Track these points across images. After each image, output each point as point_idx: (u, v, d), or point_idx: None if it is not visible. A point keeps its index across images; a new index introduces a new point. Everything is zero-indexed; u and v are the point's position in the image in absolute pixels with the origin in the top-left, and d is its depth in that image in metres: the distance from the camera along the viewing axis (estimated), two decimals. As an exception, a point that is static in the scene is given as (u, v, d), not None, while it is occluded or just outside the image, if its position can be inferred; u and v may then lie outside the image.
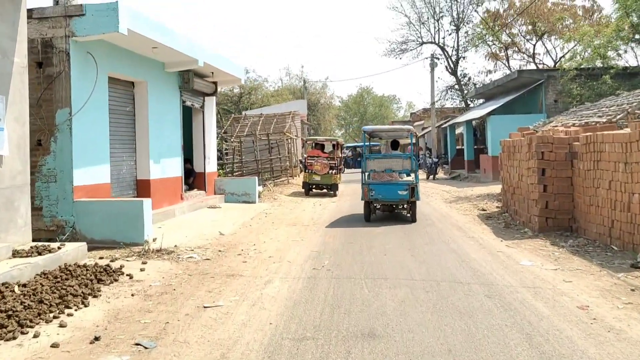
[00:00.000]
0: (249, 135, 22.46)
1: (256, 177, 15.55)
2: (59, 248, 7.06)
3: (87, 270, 6.53)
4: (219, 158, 23.17)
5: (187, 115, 14.69)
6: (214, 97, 15.11)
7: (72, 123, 8.84)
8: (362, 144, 18.96)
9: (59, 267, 6.57)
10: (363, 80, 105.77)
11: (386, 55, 30.72)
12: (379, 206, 11.92)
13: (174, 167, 12.51)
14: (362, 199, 11.70)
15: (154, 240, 8.98)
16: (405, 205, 11.64)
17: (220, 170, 18.84)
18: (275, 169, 22.56)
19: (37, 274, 6.14)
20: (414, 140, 13.71)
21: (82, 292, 5.66)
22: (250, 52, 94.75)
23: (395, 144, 13.28)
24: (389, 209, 12.07)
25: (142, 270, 6.97)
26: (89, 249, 8.51)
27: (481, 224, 11.13)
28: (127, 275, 6.67)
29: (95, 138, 9.46)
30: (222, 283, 6.44)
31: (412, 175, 11.81)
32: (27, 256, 6.55)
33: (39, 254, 6.69)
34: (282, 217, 12.63)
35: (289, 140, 23.39)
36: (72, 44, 8.85)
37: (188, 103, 13.46)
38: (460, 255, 7.75)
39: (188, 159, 14.50)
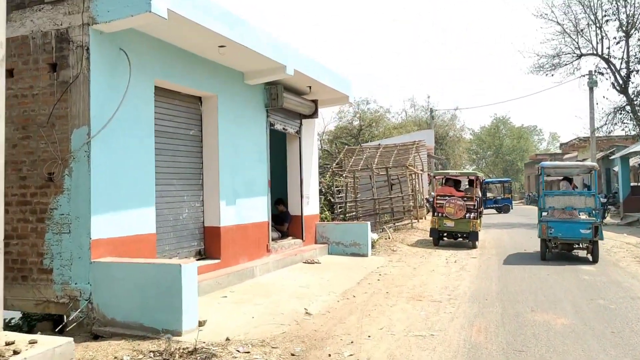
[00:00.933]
0: (364, 170, 19.12)
1: (368, 223, 12.03)
2: (30, 344, 4.14)
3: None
4: (329, 196, 20.08)
5: (279, 142, 11.71)
6: (314, 120, 12.00)
7: (91, 148, 6.07)
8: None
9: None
10: (499, 109, 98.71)
11: (533, 72, 25.68)
12: (555, 245, 11.60)
13: (256, 210, 9.46)
14: (539, 236, 11.66)
15: (201, 325, 5.84)
16: (585, 245, 11.51)
17: (326, 213, 15.60)
18: (396, 210, 18.88)
19: None
20: (595, 178, 12.63)
21: None
22: (371, 81, 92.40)
23: (569, 181, 13.18)
24: (567, 247, 11.77)
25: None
26: (108, 336, 5.67)
27: None
28: None
29: (130, 170, 6.62)
30: None
31: (593, 213, 11.91)
32: None
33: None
34: (401, 282, 8.90)
35: (413, 175, 19.63)
36: (93, 35, 6.15)
37: (278, 126, 10.46)
38: None
39: (281, 199, 11.45)
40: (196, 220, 8.25)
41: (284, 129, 10.69)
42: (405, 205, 18.75)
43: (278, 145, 11.95)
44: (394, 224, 18.07)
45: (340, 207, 18.93)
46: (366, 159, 19.89)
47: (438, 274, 9.85)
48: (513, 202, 36.65)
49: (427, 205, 26.15)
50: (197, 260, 8.13)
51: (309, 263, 10.36)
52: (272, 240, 10.62)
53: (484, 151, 70.67)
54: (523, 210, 35.91)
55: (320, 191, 22.35)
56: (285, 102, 9.89)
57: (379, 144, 22.09)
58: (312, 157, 12.14)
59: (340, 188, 20.43)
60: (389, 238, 14.71)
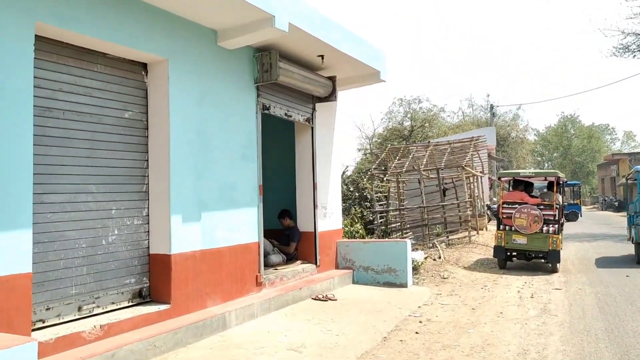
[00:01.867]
0: (410, 171, 15.98)
1: (408, 242, 8.90)
2: None
3: None
4: (364, 202, 17.13)
5: (285, 134, 8.89)
6: (334, 105, 9.07)
7: None
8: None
9: None
10: (566, 106, 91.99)
11: (616, 53, 21.59)
12: None
13: (238, 227, 6.63)
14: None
15: None
16: None
17: (357, 226, 12.52)
18: (449, 220, 15.61)
19: None
20: None
21: None
22: (423, 78, 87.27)
23: None
24: None
25: None
26: None
27: None
28: None
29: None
30: None
31: None
32: None
33: None
34: (451, 339, 5.80)
35: (471, 178, 16.28)
36: None
37: (277, 111, 7.59)
38: None
39: (286, 211, 8.58)
40: (134, 245, 5.50)
41: (286, 114, 7.80)
42: (461, 215, 15.45)
43: (284, 138, 9.11)
44: (447, 237, 14.82)
45: (381, 217, 15.85)
46: (413, 160, 16.73)
47: (509, 321, 6.65)
48: (582, 207, 32.24)
49: (489, 213, 22.57)
50: (133, 305, 5.38)
51: (320, 300, 7.42)
52: (272, 266, 7.76)
53: (549, 153, 65.31)
54: (598, 217, 31.37)
55: (356, 198, 19.36)
56: (283, 75, 7.03)
57: (429, 142, 18.87)
58: (331, 154, 9.19)
59: (381, 195, 17.36)
60: (440, 258, 11.52)
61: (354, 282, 8.86)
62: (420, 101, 39.51)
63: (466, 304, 7.77)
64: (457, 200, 16.86)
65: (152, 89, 5.69)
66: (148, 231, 5.62)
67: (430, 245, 13.83)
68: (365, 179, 18.25)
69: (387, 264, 8.77)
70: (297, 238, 8.38)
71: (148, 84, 5.69)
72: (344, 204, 19.74)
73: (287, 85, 7.49)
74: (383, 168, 17.73)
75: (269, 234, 8.53)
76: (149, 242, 5.63)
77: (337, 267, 9.05)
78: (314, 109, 8.51)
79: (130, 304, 5.39)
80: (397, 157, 17.75)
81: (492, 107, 35.94)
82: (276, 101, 7.52)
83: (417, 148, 17.84)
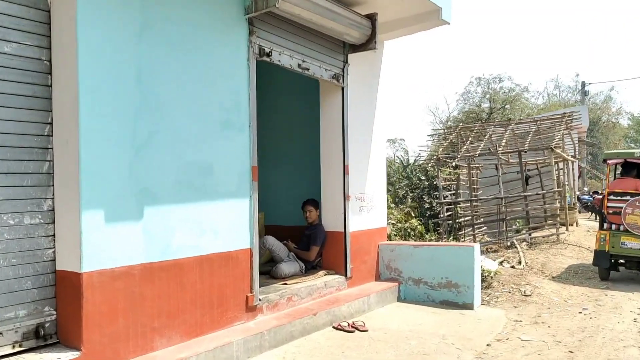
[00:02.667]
0: (485, 155, 13.27)
1: (475, 247, 6.41)
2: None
3: None
4: (434, 192, 14.66)
5: (308, 98, 6.70)
6: (375, 55, 6.72)
7: None
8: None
9: None
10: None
11: None
12: None
13: (216, 229, 4.48)
14: None
15: None
16: None
17: (413, 221, 9.94)
18: (532, 215, 12.77)
19: None
20: None
21: None
22: (506, 55, 79.99)
23: None
24: None
25: None
26: None
27: None
28: None
29: None
30: None
31: None
32: None
33: None
34: None
35: (562, 163, 13.29)
36: None
37: (284, 60, 5.28)
38: None
39: (312, 201, 6.38)
40: (28, 256, 3.50)
41: (301, 67, 5.53)
42: (549, 208, 12.56)
43: (307, 104, 6.93)
44: (529, 235, 12.02)
45: (448, 211, 13.28)
46: (490, 141, 13.96)
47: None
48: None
49: (579, 206, 19.24)
50: (22, 352, 3.40)
51: (343, 330, 5.18)
52: (283, 279, 5.61)
53: (647, 137, 58.46)
54: None
55: (425, 187, 16.81)
56: (291, 2, 4.79)
57: (509, 119, 15.95)
58: (372, 127, 6.86)
59: (449, 183, 14.76)
60: (520, 264, 8.88)
61: (400, 300, 6.54)
62: (500, 80, 35.91)
63: (559, 341, 5.25)
64: (543, 189, 13.95)
65: (57, 7, 3.63)
66: (53, 235, 3.62)
67: (508, 244, 11.16)
68: (430, 165, 15.68)
69: (446, 276, 6.38)
70: (320, 240, 6.16)
71: (52, 7, 3.65)
72: (412, 194, 17.34)
73: (301, 23, 5.24)
74: (453, 152, 15.09)
75: (282, 232, 6.43)
76: (54, 252, 3.62)
77: (377, 279, 6.77)
78: (345, 61, 6.20)
79: (19, 349, 3.42)
80: (470, 139, 15.03)
81: (583, 84, 31.67)
82: (283, 45, 5.27)
83: (495, 127, 15.00)
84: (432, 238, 9.85)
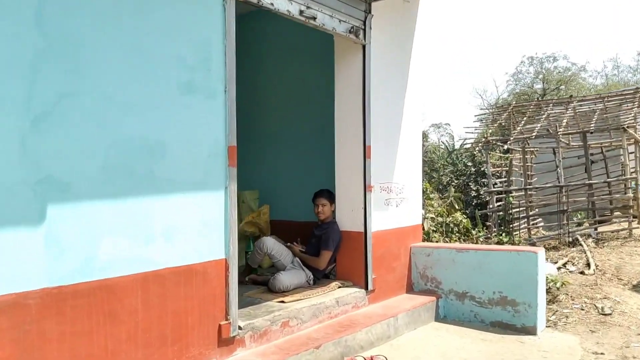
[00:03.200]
0: (542, 137, 11.54)
1: (539, 253, 4.89)
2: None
3: None
4: (481, 179, 13.12)
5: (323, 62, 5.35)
6: (406, 2, 5.27)
7: None
8: None
9: None
10: None
11: None
12: None
13: (170, 234, 3.17)
14: None
15: None
16: None
17: (457, 215, 8.30)
18: (600, 206, 10.99)
19: None
20: None
21: None
22: (561, 33, 75.00)
23: None
24: None
25: None
26: None
27: None
28: None
29: None
30: None
31: None
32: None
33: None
34: None
35: (634, 145, 11.39)
36: None
37: (279, 3, 3.94)
38: None
39: (327, 193, 5.00)
40: None
41: (303, 13, 4.11)
42: (619, 197, 10.74)
43: (319, 68, 5.61)
44: (595, 229, 10.27)
45: (498, 201, 11.66)
46: (547, 121, 12.18)
47: None
48: None
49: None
50: None
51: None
52: (282, 293, 4.31)
53: None
54: None
55: (472, 174, 15.19)
56: None
57: (571, 96, 14.08)
58: (404, 98, 5.43)
59: (500, 169, 13.10)
60: (590, 268, 7.24)
61: (438, 319, 5.12)
62: (555, 59, 33.28)
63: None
64: (608, 176, 12.09)
65: None
66: None
67: (570, 239, 9.51)
68: (477, 149, 14.04)
69: (500, 290, 4.92)
70: (333, 243, 4.79)
71: None
72: (457, 181, 15.78)
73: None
74: (504, 134, 13.37)
75: (291, 230, 5.18)
76: None
77: (409, 291, 5.36)
78: (367, 11, 4.78)
79: None
80: (525, 120, 13.27)
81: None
82: (275, -12, 3.91)
83: (553, 106, 13.16)
84: (480, 235, 8.31)
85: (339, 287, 4.70)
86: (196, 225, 3.31)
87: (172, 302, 3.15)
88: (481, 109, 27.78)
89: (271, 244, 4.79)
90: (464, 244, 6.09)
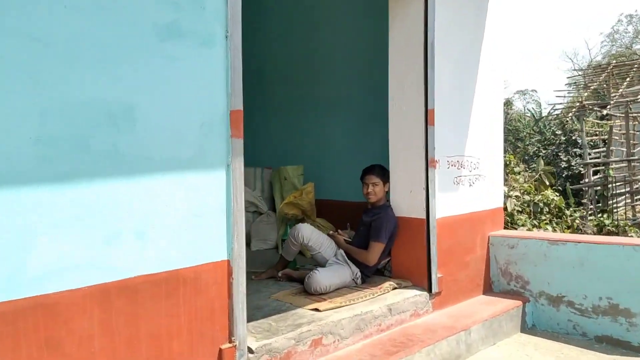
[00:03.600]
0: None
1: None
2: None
3: None
4: (572, 149, 11.65)
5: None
6: None
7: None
8: None
9: None
10: None
11: None
12: None
13: (142, 231, 2.32)
14: None
15: None
16: None
17: (546, 192, 6.86)
18: None
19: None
20: None
21: None
22: None
23: None
24: None
25: None
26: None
27: None
28: None
29: None
30: None
31: None
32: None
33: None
34: None
35: None
36: None
37: None
38: None
39: (380, 168, 3.98)
40: None
41: None
42: None
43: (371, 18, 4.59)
44: None
45: (595, 174, 10.08)
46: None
47: None
48: None
49: None
50: None
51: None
52: (319, 293, 3.40)
53: None
54: None
55: (561, 143, 13.51)
56: None
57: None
58: (479, 50, 4.26)
59: (596, 139, 11.40)
60: None
61: (525, 329, 4.01)
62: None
63: None
64: None
65: None
66: None
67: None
68: (570, 116, 12.36)
69: (609, 295, 3.73)
70: (386, 233, 3.77)
71: None
72: (544, 151, 14.29)
73: None
74: (601, 99, 11.59)
75: (339, 212, 4.34)
76: None
77: (487, 291, 4.28)
78: None
79: None
80: (626, 81, 11.42)
81: None
82: None
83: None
84: (576, 215, 6.95)
85: (394, 288, 3.72)
86: (185, 217, 2.44)
87: (148, 322, 2.32)
88: (574, 69, 25.12)
89: (308, 232, 3.87)
90: (559, 235, 4.83)
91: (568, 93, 12.82)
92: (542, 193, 6.72)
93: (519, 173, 7.08)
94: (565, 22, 51.49)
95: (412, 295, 3.65)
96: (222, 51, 2.57)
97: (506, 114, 18.14)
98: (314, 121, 5.54)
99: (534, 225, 6.04)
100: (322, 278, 3.53)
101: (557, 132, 14.58)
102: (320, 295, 3.51)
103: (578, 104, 10.59)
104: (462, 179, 4.09)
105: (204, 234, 2.51)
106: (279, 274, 3.97)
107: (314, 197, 4.88)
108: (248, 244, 5.30)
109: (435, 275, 3.76)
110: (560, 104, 13.80)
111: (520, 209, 6.37)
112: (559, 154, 13.67)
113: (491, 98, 4.45)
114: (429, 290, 3.75)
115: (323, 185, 5.19)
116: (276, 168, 5.44)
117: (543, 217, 6.40)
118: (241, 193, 2.63)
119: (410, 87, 3.78)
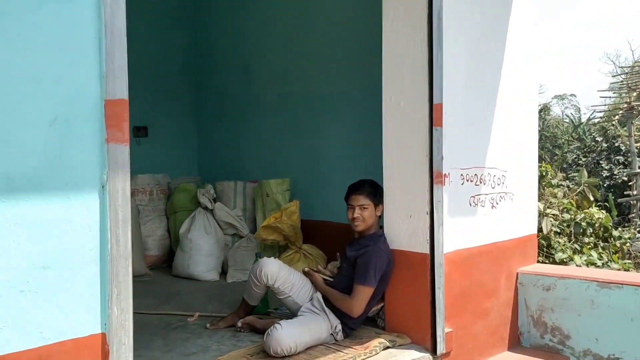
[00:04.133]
0: None
1: None
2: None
3: None
4: (616, 157, 10.78)
5: None
6: None
7: None
8: None
9: None
10: None
11: None
12: None
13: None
14: None
15: None
16: None
17: (590, 210, 5.75)
18: None
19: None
20: None
21: None
22: None
23: None
24: None
25: None
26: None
27: None
28: None
29: None
30: None
31: None
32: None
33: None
34: None
35: None
36: None
37: None
38: None
39: (374, 185, 3.00)
40: None
41: None
42: None
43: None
44: None
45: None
46: None
47: None
48: None
49: None
50: None
51: None
52: (281, 356, 2.42)
53: None
54: None
55: (603, 151, 12.43)
56: None
57: None
58: (503, 42, 3.28)
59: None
60: None
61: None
62: None
63: None
64: None
65: None
66: None
67: None
68: (614, 120, 11.20)
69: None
70: (374, 273, 2.77)
71: None
72: (584, 159, 13.21)
73: None
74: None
75: (331, 234, 3.45)
76: None
77: (513, 346, 3.25)
78: None
79: None
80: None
81: None
82: None
83: None
84: (626, 238, 5.80)
85: (385, 347, 2.74)
86: (25, 272, 1.55)
87: None
88: (613, 75, 23.69)
89: (274, 270, 2.93)
90: (613, 274, 3.69)
91: (613, 92, 11.75)
92: (586, 211, 5.61)
93: (558, 186, 6.00)
94: (605, 22, 49.21)
95: (410, 359, 2.67)
96: (89, 4, 1.66)
97: (543, 119, 16.97)
98: (306, 124, 4.62)
99: (574, 251, 4.96)
100: (284, 337, 2.58)
101: (597, 139, 13.51)
102: (283, 358, 2.57)
103: (626, 105, 9.40)
104: (481, 198, 3.09)
105: (58, 296, 1.60)
106: (239, 323, 3.04)
107: (299, 219, 3.95)
108: (224, 274, 4.45)
109: (441, 329, 2.77)
110: (604, 105, 12.75)
111: (558, 230, 5.30)
112: (600, 162, 12.59)
113: (523, 91, 3.45)
114: (433, 350, 2.76)
115: (314, 203, 4.26)
116: (261, 182, 4.55)
117: (586, 240, 5.31)
118: (126, 228, 1.72)
119: (410, 72, 2.81)
